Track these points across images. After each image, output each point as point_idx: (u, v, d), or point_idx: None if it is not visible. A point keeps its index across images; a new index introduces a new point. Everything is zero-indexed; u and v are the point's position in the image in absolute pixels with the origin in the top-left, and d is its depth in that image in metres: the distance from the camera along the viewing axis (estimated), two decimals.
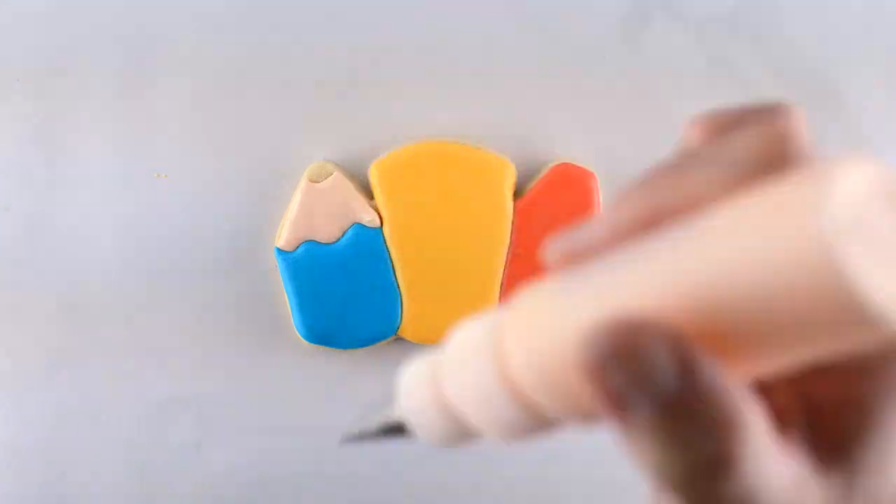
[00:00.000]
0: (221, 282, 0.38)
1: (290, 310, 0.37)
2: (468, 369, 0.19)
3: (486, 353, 0.18)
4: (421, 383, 0.20)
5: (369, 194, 0.37)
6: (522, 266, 0.37)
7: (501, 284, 0.37)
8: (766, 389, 0.19)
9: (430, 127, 0.38)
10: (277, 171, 0.38)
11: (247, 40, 0.38)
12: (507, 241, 0.37)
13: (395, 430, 0.23)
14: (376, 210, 0.37)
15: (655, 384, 0.16)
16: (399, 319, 0.37)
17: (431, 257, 0.37)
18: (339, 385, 0.38)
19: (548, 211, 0.37)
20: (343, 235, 0.37)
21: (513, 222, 0.37)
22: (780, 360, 0.16)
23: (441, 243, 0.37)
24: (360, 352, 0.38)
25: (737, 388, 0.17)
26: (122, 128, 0.38)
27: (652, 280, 0.16)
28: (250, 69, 0.38)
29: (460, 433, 0.20)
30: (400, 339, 0.38)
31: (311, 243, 0.37)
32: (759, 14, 0.39)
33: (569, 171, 0.37)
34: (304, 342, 0.37)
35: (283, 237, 0.37)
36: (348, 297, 0.37)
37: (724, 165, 0.17)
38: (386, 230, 0.37)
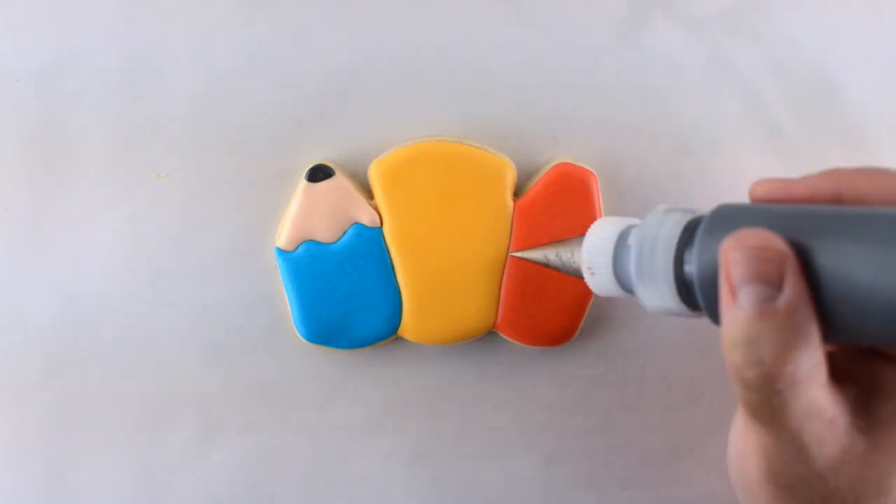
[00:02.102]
0: (221, 282, 0.38)
1: (290, 310, 0.37)
2: (654, 261, 0.25)
3: (668, 252, 0.24)
4: (607, 252, 0.27)
5: (369, 194, 0.37)
6: (523, 266, 0.37)
7: (501, 284, 0.37)
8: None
9: (430, 127, 0.38)
10: (277, 171, 0.38)
11: (247, 40, 0.38)
12: (507, 241, 0.37)
13: (576, 272, 0.31)
14: (376, 210, 0.37)
15: (759, 284, 0.21)
16: (399, 319, 0.37)
17: (431, 257, 0.37)
18: (339, 385, 0.38)
19: (548, 211, 0.37)
20: (343, 235, 0.37)
21: (513, 222, 0.37)
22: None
23: (441, 243, 0.37)
24: (360, 352, 0.38)
25: (812, 318, 0.21)
26: (122, 128, 0.38)
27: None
28: (250, 70, 0.38)
29: (622, 294, 0.28)
30: (400, 339, 0.38)
31: (311, 243, 0.37)
32: (760, 13, 0.39)
33: (569, 170, 0.37)
34: (304, 342, 0.37)
35: (283, 237, 0.37)
36: (348, 297, 0.37)
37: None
38: (386, 230, 0.37)
